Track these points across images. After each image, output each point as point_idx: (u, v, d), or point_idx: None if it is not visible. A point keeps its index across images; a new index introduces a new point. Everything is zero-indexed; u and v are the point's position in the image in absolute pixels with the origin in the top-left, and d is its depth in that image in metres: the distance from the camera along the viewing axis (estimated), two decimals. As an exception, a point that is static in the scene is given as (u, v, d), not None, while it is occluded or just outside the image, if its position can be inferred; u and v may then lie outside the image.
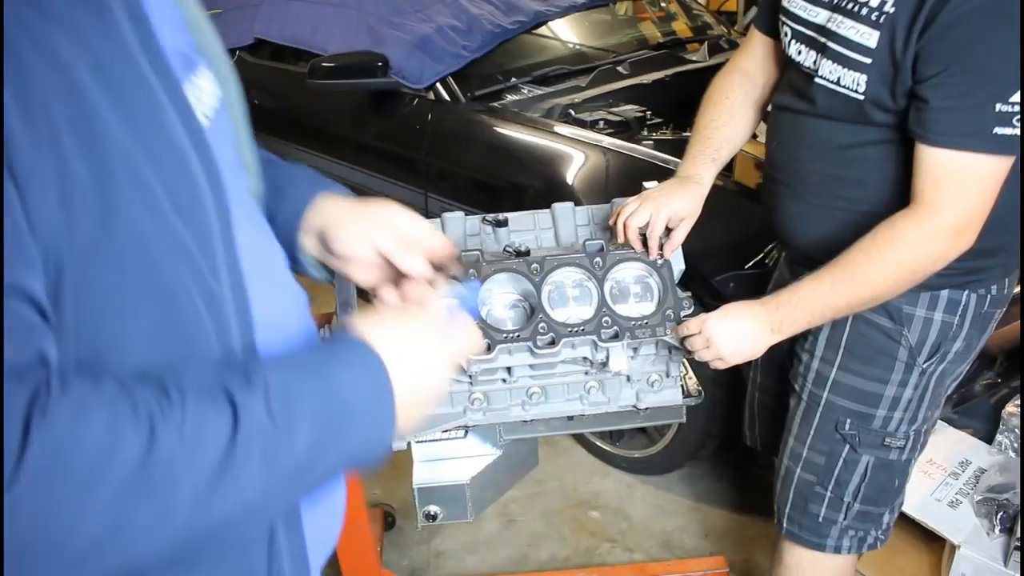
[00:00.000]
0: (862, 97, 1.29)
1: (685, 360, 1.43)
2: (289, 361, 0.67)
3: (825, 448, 1.52)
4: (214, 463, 0.57)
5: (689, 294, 1.39)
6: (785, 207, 1.48)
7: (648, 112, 2.66)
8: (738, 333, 1.34)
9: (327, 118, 3.20)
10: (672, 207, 1.42)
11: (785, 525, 1.60)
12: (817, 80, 1.36)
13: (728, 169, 2.42)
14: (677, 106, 2.92)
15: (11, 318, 0.51)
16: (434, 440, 1.43)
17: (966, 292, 1.41)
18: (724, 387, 2.28)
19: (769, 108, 1.59)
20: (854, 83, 1.30)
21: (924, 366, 1.44)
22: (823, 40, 1.34)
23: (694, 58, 3.19)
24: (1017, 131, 1.20)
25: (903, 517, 2.10)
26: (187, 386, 0.58)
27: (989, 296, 1.43)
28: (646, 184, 1.51)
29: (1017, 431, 2.18)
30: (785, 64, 1.52)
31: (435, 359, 0.75)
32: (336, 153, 3.07)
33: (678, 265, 1.43)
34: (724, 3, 6.19)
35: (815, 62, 1.36)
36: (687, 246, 1.44)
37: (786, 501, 1.59)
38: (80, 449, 0.52)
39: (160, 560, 0.57)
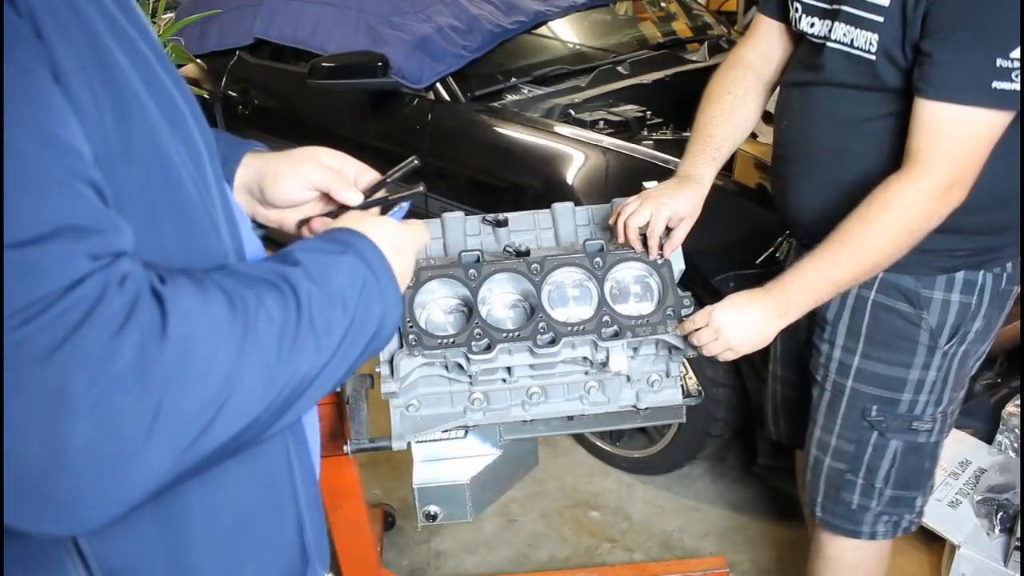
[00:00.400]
0: (874, 57, 1.32)
1: (685, 360, 1.43)
2: (304, 245, 0.72)
3: (853, 436, 1.53)
4: (291, 329, 0.62)
5: (689, 294, 1.39)
6: (796, 185, 1.49)
7: (648, 112, 2.66)
8: (745, 321, 1.35)
9: (327, 118, 3.20)
10: (672, 207, 1.42)
11: (819, 514, 1.62)
12: (830, 45, 1.38)
13: (728, 169, 2.42)
14: (677, 106, 2.92)
15: (104, 211, 0.56)
16: (434, 440, 1.43)
17: (982, 272, 1.43)
18: (724, 387, 2.28)
19: (776, 96, 1.60)
20: (867, 43, 1.32)
21: (945, 348, 1.46)
22: (836, 6, 1.36)
23: (694, 58, 3.19)
24: (1016, 86, 1.22)
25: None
26: (244, 271, 0.65)
27: (1005, 274, 1.44)
28: (646, 184, 1.51)
29: (1017, 431, 2.18)
30: (794, 45, 1.53)
31: (407, 243, 0.83)
32: (336, 153, 3.07)
33: (678, 265, 1.43)
34: (724, 3, 6.20)
35: (829, 29, 1.38)
36: (687, 246, 1.44)
37: (818, 491, 1.60)
38: (204, 315, 0.57)
39: (241, 440, 0.61)
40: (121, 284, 0.54)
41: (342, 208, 0.92)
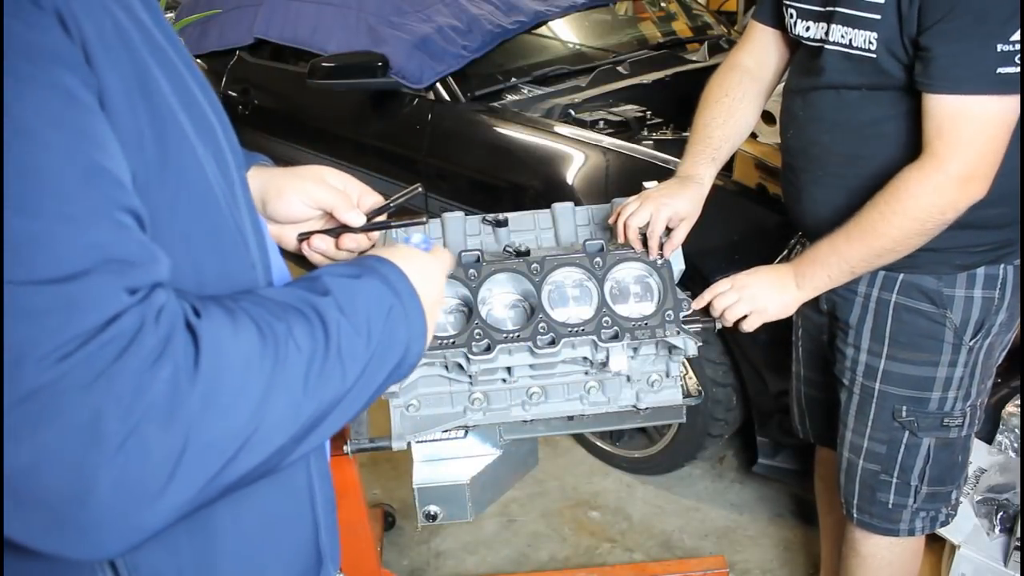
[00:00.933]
0: (875, 55, 1.31)
1: (685, 360, 1.43)
2: (333, 271, 0.72)
3: (885, 437, 1.54)
4: (319, 360, 0.63)
5: (689, 294, 1.39)
6: (809, 193, 1.49)
7: (648, 112, 2.66)
8: (766, 282, 1.41)
9: (327, 118, 3.20)
10: (672, 207, 1.42)
11: (856, 516, 1.62)
12: (828, 48, 1.37)
13: (728, 169, 2.42)
14: (677, 106, 2.92)
15: (143, 242, 0.56)
16: (434, 440, 1.43)
17: (1002, 266, 1.43)
18: (724, 387, 2.29)
19: (775, 98, 1.61)
20: (866, 42, 1.32)
21: (970, 344, 1.46)
22: (830, 8, 1.35)
23: (694, 58, 3.19)
24: (1018, 70, 1.21)
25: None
26: (274, 298, 0.65)
27: None
28: (646, 184, 1.51)
29: (1017, 431, 2.18)
30: (790, 50, 1.53)
31: (435, 272, 0.83)
32: (336, 153, 3.07)
33: (678, 265, 1.43)
34: (724, 3, 6.20)
35: (825, 32, 1.37)
36: (687, 246, 1.45)
37: (853, 492, 1.61)
38: (235, 349, 0.58)
39: (263, 469, 0.61)
40: (157, 319, 0.54)
41: (343, 227, 0.93)
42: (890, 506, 1.57)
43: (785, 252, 1.98)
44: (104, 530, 0.53)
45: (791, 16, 1.45)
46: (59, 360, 0.50)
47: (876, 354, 1.50)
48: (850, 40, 1.34)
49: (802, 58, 1.48)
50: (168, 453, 0.53)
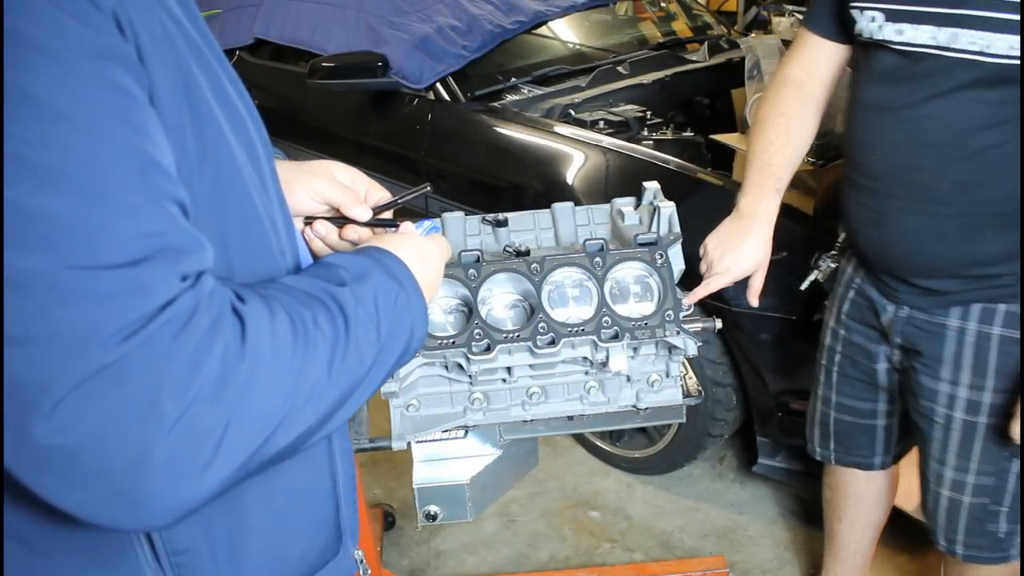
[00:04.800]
0: (1017, 61, 1.17)
1: (685, 360, 1.43)
2: (345, 263, 0.75)
3: (993, 469, 1.48)
4: (341, 348, 0.66)
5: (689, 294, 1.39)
6: (902, 221, 1.38)
7: (648, 112, 2.66)
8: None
9: (327, 118, 3.20)
10: (740, 270, 1.41)
11: (963, 552, 1.56)
12: (950, 55, 1.22)
13: (728, 169, 2.43)
14: (677, 106, 2.93)
15: (191, 232, 0.59)
16: (434, 440, 1.43)
17: None
18: (724, 387, 2.29)
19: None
20: (1009, 48, 1.17)
21: None
22: (958, 10, 1.20)
23: (694, 58, 3.19)
24: None
25: (903, 517, 2.10)
26: (299, 287, 0.69)
27: None
28: (646, 184, 1.51)
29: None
30: (842, 61, 1.42)
31: (433, 255, 0.87)
32: (336, 153, 3.06)
33: (678, 265, 1.43)
34: (724, 3, 6.20)
35: (949, 38, 1.22)
36: (687, 246, 1.44)
37: (957, 529, 1.54)
38: (273, 334, 0.61)
39: (292, 448, 0.64)
40: (209, 302, 0.58)
41: (349, 219, 0.94)
42: (1001, 535, 1.52)
43: (813, 276, 1.91)
44: (154, 503, 0.56)
45: (871, 20, 1.31)
46: (123, 340, 0.53)
47: (979, 388, 1.43)
48: (987, 46, 1.18)
49: (886, 67, 1.32)
50: (215, 429, 0.56)
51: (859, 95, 1.41)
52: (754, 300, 1.37)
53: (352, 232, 0.94)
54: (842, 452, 1.77)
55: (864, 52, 1.38)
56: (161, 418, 0.54)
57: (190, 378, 0.55)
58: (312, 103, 3.23)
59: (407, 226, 0.95)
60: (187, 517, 0.58)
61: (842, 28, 1.42)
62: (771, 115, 1.49)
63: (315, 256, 0.92)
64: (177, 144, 0.61)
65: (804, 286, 1.79)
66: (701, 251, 1.43)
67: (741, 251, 1.40)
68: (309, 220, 0.94)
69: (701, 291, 1.44)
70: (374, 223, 0.94)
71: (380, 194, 0.98)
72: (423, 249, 0.85)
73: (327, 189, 0.93)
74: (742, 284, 1.56)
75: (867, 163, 1.41)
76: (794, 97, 1.48)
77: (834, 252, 1.71)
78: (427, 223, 0.91)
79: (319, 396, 0.64)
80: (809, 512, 2.43)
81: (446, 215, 1.45)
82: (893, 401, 1.67)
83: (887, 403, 1.68)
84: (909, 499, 2.09)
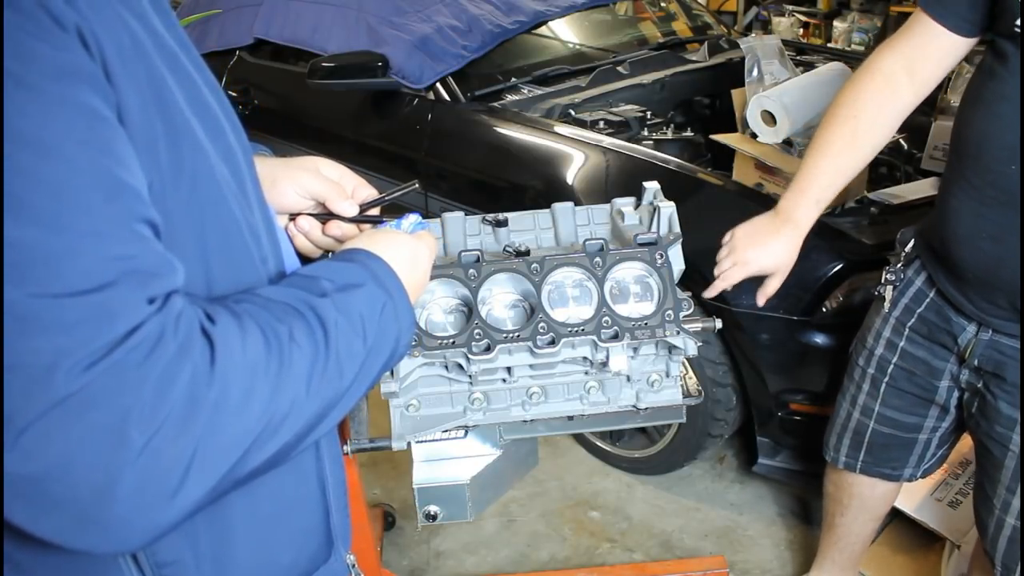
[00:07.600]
0: None
1: (685, 360, 1.43)
2: (328, 271, 0.74)
3: None
4: (321, 362, 0.65)
5: (689, 294, 1.39)
6: None
7: (648, 112, 2.66)
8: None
9: (327, 118, 3.20)
10: (760, 265, 1.36)
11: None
12: None
13: (728, 169, 2.43)
14: (677, 106, 2.93)
15: (161, 253, 0.58)
16: (434, 440, 1.43)
17: None
18: (724, 387, 2.29)
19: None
20: None
21: None
22: None
23: (694, 58, 3.19)
24: None
25: (903, 517, 2.10)
26: (275, 299, 0.67)
27: None
28: (646, 184, 1.51)
29: (1017, 431, 2.17)
30: (960, 57, 1.27)
31: (421, 256, 0.87)
32: (336, 153, 3.04)
33: (678, 265, 1.43)
34: (724, 3, 6.20)
35: None
36: (687, 246, 1.44)
37: (1016, 558, 1.49)
38: (244, 353, 0.60)
39: (270, 463, 0.64)
40: (176, 326, 0.56)
41: (334, 215, 0.93)
42: None
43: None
44: (126, 527, 0.55)
45: None
46: (87, 368, 0.52)
47: None
48: None
49: None
50: (185, 452, 0.56)
51: (1006, 93, 1.21)
52: (761, 300, 1.34)
53: (336, 228, 0.93)
54: (871, 463, 1.73)
55: (1015, 47, 1.19)
56: (128, 445, 0.53)
57: (157, 404, 0.54)
58: (312, 103, 3.22)
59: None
60: (163, 537, 0.58)
61: (979, 19, 1.25)
62: (844, 114, 1.36)
63: (300, 254, 0.92)
64: (149, 160, 0.60)
65: (887, 303, 1.61)
66: (727, 237, 1.39)
67: (767, 248, 1.36)
68: (294, 217, 0.94)
69: (720, 284, 1.41)
70: (359, 219, 0.93)
71: (368, 192, 0.97)
72: (412, 251, 0.84)
73: (313, 183, 0.92)
74: (742, 284, 1.56)
75: (1003, 174, 1.24)
76: (878, 95, 1.33)
77: (900, 265, 1.60)
78: (412, 217, 0.90)
79: (297, 412, 0.63)
80: (809, 512, 2.44)
81: (446, 215, 1.45)
82: (942, 418, 1.62)
83: (936, 419, 1.63)
84: (909, 499, 2.09)
